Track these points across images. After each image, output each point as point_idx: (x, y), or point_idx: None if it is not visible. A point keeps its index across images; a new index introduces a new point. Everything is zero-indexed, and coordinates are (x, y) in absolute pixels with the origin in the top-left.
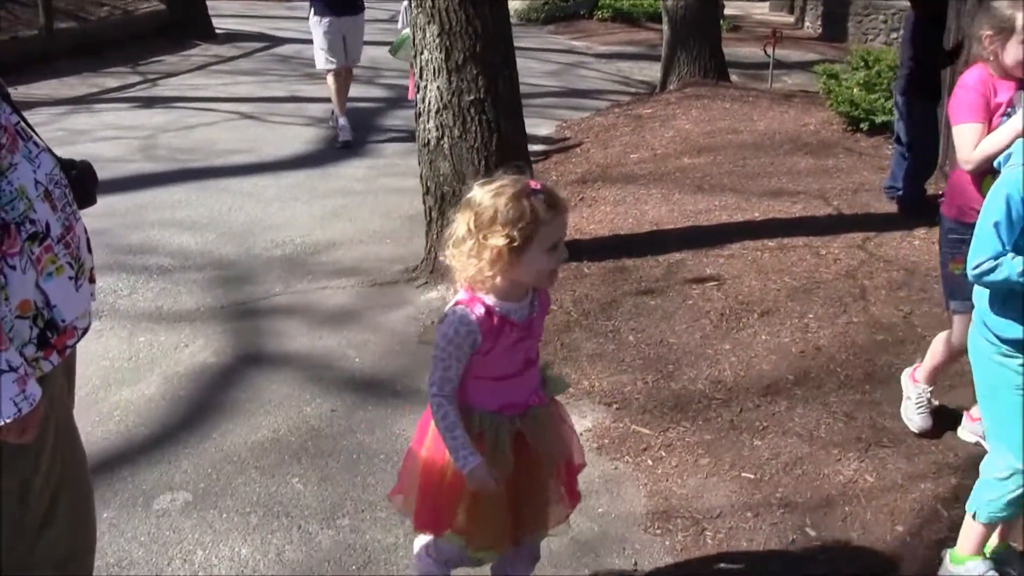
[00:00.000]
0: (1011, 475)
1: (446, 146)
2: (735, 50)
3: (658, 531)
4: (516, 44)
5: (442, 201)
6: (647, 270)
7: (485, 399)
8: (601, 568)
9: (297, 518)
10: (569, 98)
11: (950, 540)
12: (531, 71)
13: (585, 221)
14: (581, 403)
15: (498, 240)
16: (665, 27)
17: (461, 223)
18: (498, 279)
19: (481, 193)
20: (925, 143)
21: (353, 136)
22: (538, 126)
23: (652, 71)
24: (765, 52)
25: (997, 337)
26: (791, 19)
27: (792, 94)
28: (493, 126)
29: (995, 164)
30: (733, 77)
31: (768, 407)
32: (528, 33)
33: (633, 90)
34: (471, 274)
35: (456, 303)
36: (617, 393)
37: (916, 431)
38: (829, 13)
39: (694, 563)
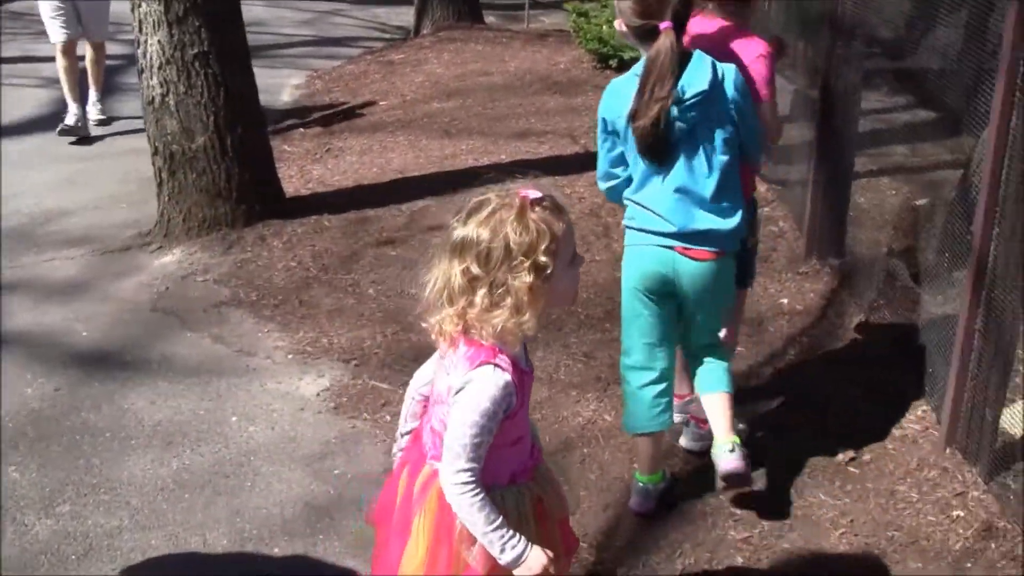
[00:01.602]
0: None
1: (172, 103)
2: None
3: None
4: None
5: (171, 160)
6: (389, 220)
7: (499, 471)
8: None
9: (12, 510)
10: (322, 47)
11: (684, 475)
12: (283, 20)
13: (329, 173)
14: (319, 362)
15: (526, 276)
16: None
17: (452, 272)
18: (533, 321)
19: (473, 228)
20: None
21: (82, 125)
22: (289, 76)
23: (408, 16)
24: None
25: None
26: None
27: (547, 33)
28: (220, 80)
29: None
30: (490, 19)
31: None
32: None
33: (388, 36)
34: (503, 327)
35: (481, 362)
36: (356, 349)
37: None
38: None
39: None
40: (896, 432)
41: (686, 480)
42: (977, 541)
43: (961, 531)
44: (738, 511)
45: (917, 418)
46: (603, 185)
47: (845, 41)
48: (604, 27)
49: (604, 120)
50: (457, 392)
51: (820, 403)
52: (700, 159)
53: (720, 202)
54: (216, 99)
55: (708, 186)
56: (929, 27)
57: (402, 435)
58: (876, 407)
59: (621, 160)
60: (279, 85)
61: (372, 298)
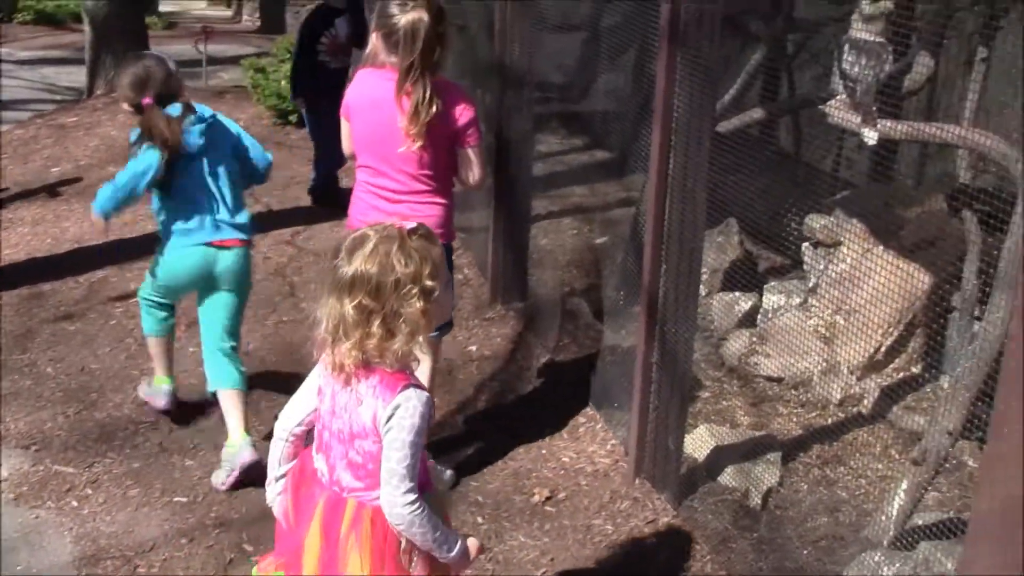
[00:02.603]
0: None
1: None
2: (168, 48)
3: None
4: None
5: None
6: (67, 293)
7: (421, 480)
8: None
9: None
10: None
11: None
12: None
13: None
14: None
15: (417, 302)
16: (87, 29)
17: (344, 309)
18: (424, 343)
19: (360, 264)
20: (323, 134)
21: None
22: None
23: (80, 76)
24: (197, 48)
25: None
26: (229, 13)
27: (225, 90)
28: None
29: None
30: None
31: (198, 424)
32: None
33: (59, 98)
34: (403, 352)
35: (402, 387)
36: (36, 433)
37: None
38: (266, 5)
39: None
40: (588, 468)
41: None
42: (671, 564)
43: (655, 557)
44: None
45: (607, 452)
46: None
47: (515, 89)
48: (283, 82)
49: None
50: (388, 420)
51: (513, 446)
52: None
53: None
54: None
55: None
56: (596, 72)
57: (277, 479)
58: (568, 445)
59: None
60: None
61: (51, 377)
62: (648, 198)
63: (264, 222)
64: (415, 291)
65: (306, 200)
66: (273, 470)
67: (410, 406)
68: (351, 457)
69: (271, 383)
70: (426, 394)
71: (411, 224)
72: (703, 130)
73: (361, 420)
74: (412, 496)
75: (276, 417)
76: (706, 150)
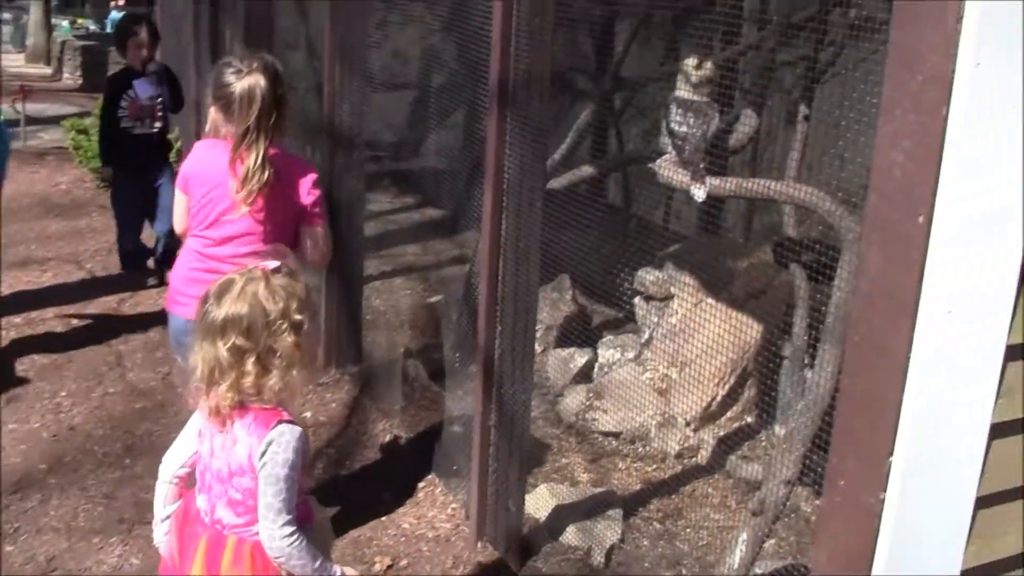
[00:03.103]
0: None
1: None
2: None
3: None
4: None
5: None
6: None
7: (299, 514)
8: None
9: None
10: None
11: None
12: None
13: None
14: None
15: (289, 337)
16: None
17: (217, 352)
18: (301, 374)
19: (229, 306)
20: (121, 203)
21: None
22: None
23: None
24: (14, 108)
25: None
26: (49, 71)
27: (46, 152)
28: None
29: None
30: None
31: (20, 505)
32: None
33: None
34: (279, 386)
35: (276, 422)
36: None
37: None
38: (88, 63)
39: None
40: (430, 534)
41: None
42: None
43: None
44: None
45: (448, 516)
46: None
47: (346, 149)
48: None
49: None
50: (262, 455)
51: (351, 514)
52: None
53: None
54: None
55: None
56: (428, 130)
57: (162, 521)
58: (408, 511)
59: None
60: None
61: None
62: (481, 259)
63: (88, 289)
64: (286, 326)
65: None
66: (158, 512)
67: (283, 441)
68: (230, 495)
69: (97, 461)
70: (299, 429)
71: (273, 263)
72: (535, 190)
73: (238, 458)
74: (290, 529)
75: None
76: (538, 210)
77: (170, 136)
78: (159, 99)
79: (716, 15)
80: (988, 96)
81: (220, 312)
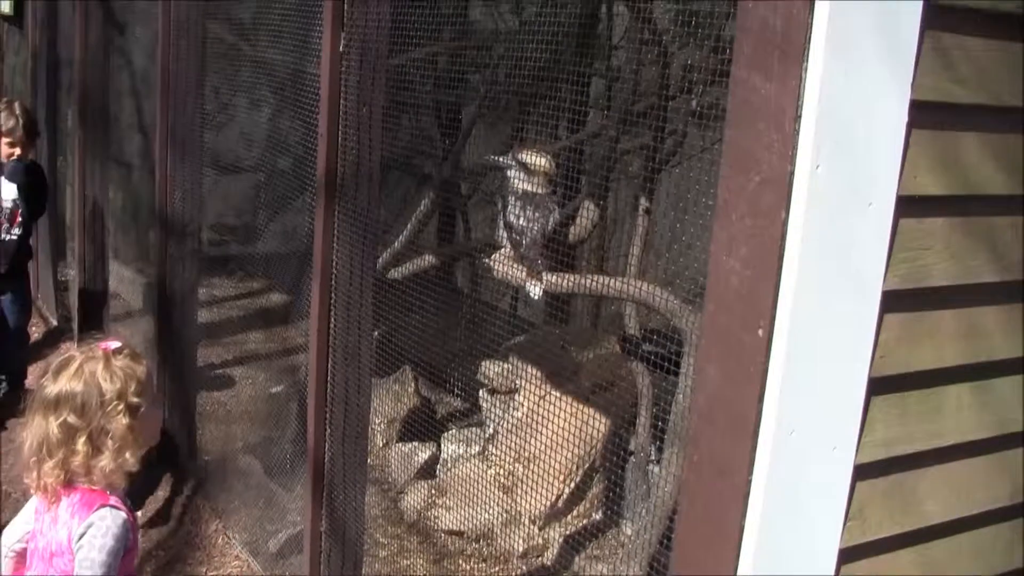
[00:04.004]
0: None
1: None
2: None
3: None
4: None
5: None
6: None
7: None
8: None
9: None
10: None
11: None
12: None
13: None
14: None
15: (123, 419)
16: None
17: (48, 427)
18: (134, 458)
19: (65, 383)
20: None
21: None
22: None
23: None
24: None
25: None
26: None
27: None
28: None
29: None
30: None
31: None
32: None
33: None
34: (109, 469)
35: (99, 505)
36: None
37: None
38: None
39: None
40: None
41: None
42: None
43: None
44: None
45: None
46: None
47: (178, 238)
48: None
49: None
50: (80, 538)
51: None
52: None
53: None
54: None
55: None
56: (268, 215)
57: None
58: None
59: None
60: None
61: None
62: (310, 360)
63: None
64: (121, 407)
65: None
66: None
67: (103, 525)
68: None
69: None
70: (123, 515)
71: (115, 344)
72: (364, 286)
73: (58, 538)
74: None
75: None
76: (368, 306)
77: None
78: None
79: (559, 101)
80: (829, 199)
81: (55, 388)
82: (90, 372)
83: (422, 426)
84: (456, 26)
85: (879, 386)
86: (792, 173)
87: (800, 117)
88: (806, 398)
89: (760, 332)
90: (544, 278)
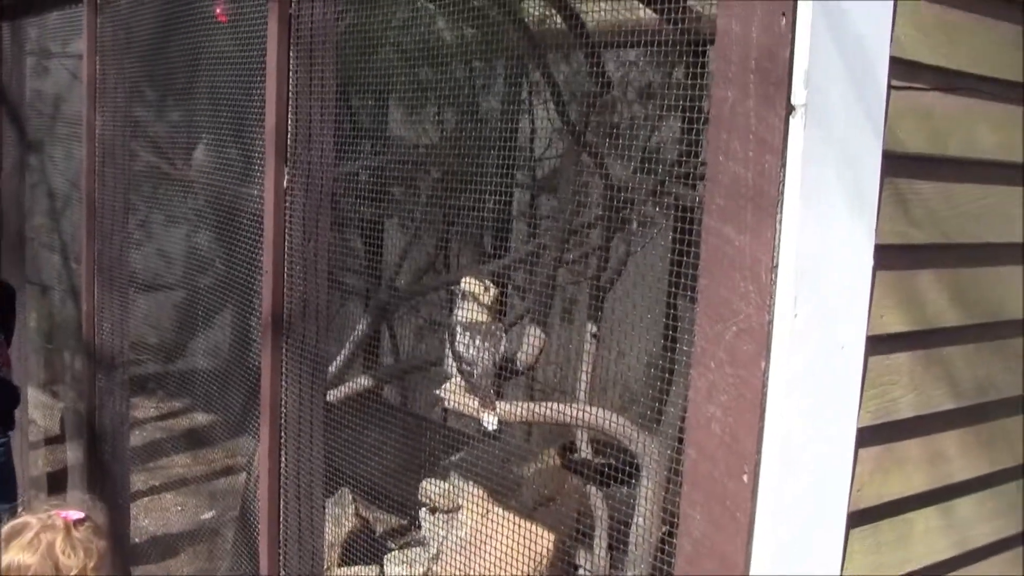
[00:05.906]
0: None
1: None
2: None
3: None
4: None
5: None
6: None
7: None
8: None
9: None
10: None
11: None
12: None
13: None
14: None
15: None
16: None
17: None
18: None
19: (16, 553)
20: None
21: None
22: None
23: None
24: None
25: None
26: None
27: None
28: None
29: None
30: None
31: None
32: None
33: None
34: None
35: None
36: None
37: None
38: None
39: None
40: None
41: None
42: None
43: None
44: None
45: None
46: None
47: (107, 370)
48: None
49: None
50: None
51: None
52: None
53: None
54: None
55: None
56: (198, 333)
57: None
58: None
59: None
60: None
61: None
62: (260, 503)
63: None
64: None
65: None
66: None
67: None
68: None
69: None
70: None
71: (77, 514)
72: (315, 422)
73: None
74: None
75: None
76: (319, 443)
77: None
78: None
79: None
80: (807, 345)
81: (4, 558)
82: (48, 544)
83: (363, 548)
84: (392, 145)
85: (857, 519)
86: (771, 322)
87: (777, 267)
88: (793, 541)
89: (745, 478)
90: (498, 407)
